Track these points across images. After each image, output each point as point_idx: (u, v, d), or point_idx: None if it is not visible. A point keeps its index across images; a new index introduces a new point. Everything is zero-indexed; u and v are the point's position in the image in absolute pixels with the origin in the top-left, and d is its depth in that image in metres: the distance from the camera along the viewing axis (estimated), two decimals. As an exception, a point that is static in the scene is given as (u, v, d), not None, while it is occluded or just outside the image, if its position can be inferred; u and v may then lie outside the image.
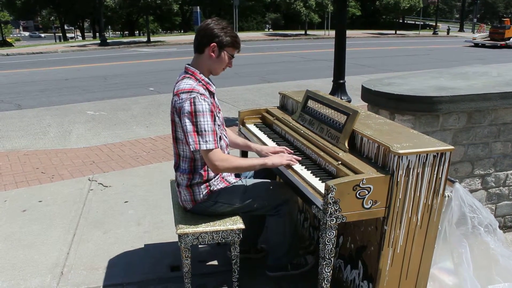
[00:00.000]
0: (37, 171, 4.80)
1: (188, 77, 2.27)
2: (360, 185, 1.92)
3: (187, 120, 2.17)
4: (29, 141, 6.11)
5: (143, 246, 3.16)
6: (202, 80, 2.29)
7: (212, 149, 2.18)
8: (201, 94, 2.19)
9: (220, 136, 2.35)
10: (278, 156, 2.40)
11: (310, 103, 2.77)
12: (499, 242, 2.42)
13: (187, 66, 2.34)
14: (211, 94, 2.33)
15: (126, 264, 2.93)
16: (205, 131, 2.16)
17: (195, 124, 2.16)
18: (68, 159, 5.20)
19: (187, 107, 2.16)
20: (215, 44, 2.25)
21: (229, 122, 6.52)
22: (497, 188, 3.28)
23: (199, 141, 2.16)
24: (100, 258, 3.00)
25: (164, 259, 2.97)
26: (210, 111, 2.19)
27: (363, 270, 2.31)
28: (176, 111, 2.23)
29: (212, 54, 2.27)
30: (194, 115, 2.16)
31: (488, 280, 2.42)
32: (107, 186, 4.29)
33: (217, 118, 2.31)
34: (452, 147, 2.02)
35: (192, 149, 2.18)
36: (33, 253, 3.08)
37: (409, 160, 1.95)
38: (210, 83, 2.33)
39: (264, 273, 2.67)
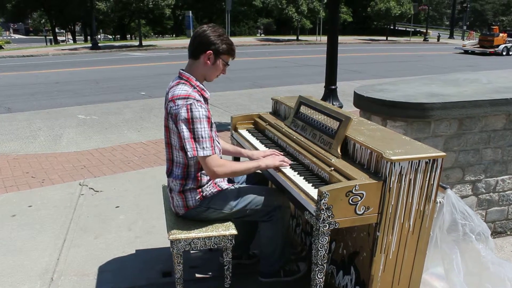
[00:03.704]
0: (27, 175, 4.75)
1: (183, 83, 2.27)
2: (353, 191, 1.93)
3: (184, 127, 2.16)
4: (19, 145, 6.05)
5: (134, 251, 3.13)
6: (197, 86, 2.29)
7: (210, 155, 2.17)
8: (197, 100, 2.19)
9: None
10: (271, 158, 2.41)
11: (303, 109, 2.78)
12: (490, 250, 2.43)
13: (181, 71, 2.33)
14: (205, 100, 2.33)
15: (117, 269, 2.90)
16: (202, 137, 2.16)
17: (192, 130, 2.16)
18: (58, 163, 5.15)
19: (183, 113, 2.16)
20: (211, 51, 2.25)
21: (221, 127, 6.52)
22: (487, 194, 3.31)
23: (196, 147, 2.15)
24: (91, 263, 2.98)
25: (156, 265, 2.95)
26: (207, 118, 2.19)
27: (356, 276, 2.31)
28: (172, 117, 2.22)
29: (208, 61, 2.27)
30: (191, 122, 2.15)
31: (478, 287, 2.43)
32: (98, 191, 4.26)
33: (213, 124, 2.31)
34: (444, 153, 2.04)
35: (189, 156, 2.18)
36: (22, 258, 3.04)
37: (401, 167, 1.96)
38: (205, 89, 2.33)
39: (256, 279, 2.67)
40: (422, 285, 2.33)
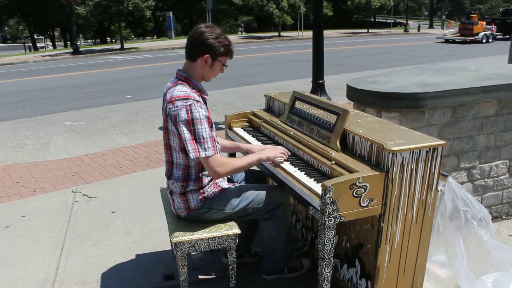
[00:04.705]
0: (18, 185, 4.66)
1: (181, 84, 2.24)
2: (357, 184, 1.93)
3: (184, 128, 2.14)
4: (6, 154, 5.94)
5: (134, 256, 3.10)
6: (196, 86, 2.26)
7: (212, 156, 2.15)
8: (196, 101, 2.17)
9: None
10: (272, 149, 2.40)
11: (298, 104, 2.77)
12: (490, 235, 2.46)
13: (178, 72, 2.31)
14: (204, 100, 2.30)
15: (118, 276, 2.87)
16: (203, 138, 2.13)
17: (193, 132, 2.13)
18: (49, 171, 5.07)
19: (183, 114, 2.13)
20: (208, 55, 2.23)
21: (211, 127, 6.47)
22: (482, 180, 3.34)
23: (198, 148, 2.13)
24: (91, 271, 2.93)
25: (157, 269, 2.92)
26: (207, 118, 2.17)
27: (361, 268, 2.32)
28: (171, 119, 2.19)
29: (205, 64, 2.25)
30: (191, 123, 2.13)
31: (481, 272, 2.46)
32: (92, 197, 4.20)
33: (212, 124, 2.28)
34: (444, 142, 2.06)
35: (192, 157, 2.15)
36: (20, 270, 2.98)
37: (403, 157, 1.97)
38: (203, 89, 2.31)
39: (260, 277, 2.66)
40: (425, 273, 2.34)
